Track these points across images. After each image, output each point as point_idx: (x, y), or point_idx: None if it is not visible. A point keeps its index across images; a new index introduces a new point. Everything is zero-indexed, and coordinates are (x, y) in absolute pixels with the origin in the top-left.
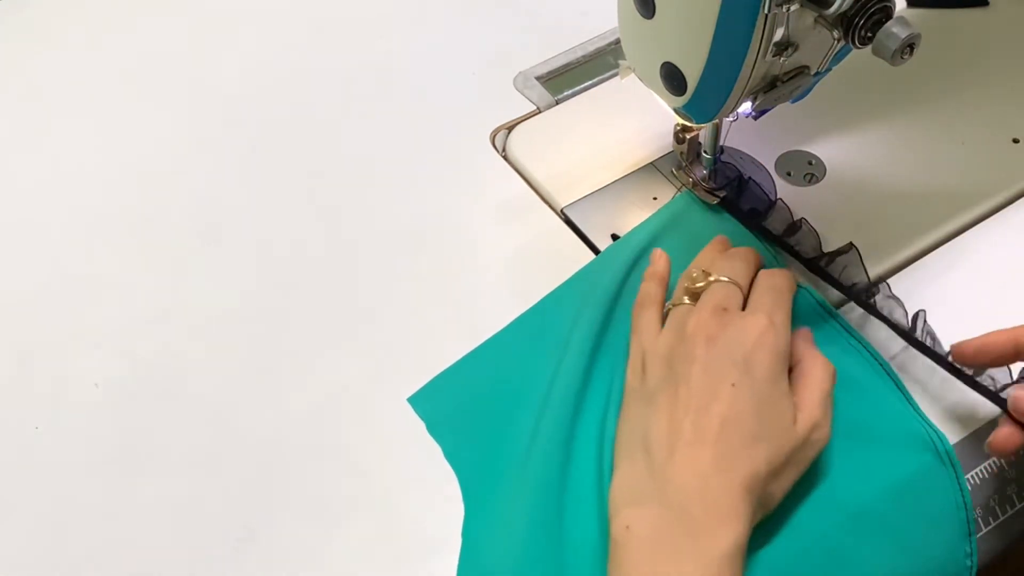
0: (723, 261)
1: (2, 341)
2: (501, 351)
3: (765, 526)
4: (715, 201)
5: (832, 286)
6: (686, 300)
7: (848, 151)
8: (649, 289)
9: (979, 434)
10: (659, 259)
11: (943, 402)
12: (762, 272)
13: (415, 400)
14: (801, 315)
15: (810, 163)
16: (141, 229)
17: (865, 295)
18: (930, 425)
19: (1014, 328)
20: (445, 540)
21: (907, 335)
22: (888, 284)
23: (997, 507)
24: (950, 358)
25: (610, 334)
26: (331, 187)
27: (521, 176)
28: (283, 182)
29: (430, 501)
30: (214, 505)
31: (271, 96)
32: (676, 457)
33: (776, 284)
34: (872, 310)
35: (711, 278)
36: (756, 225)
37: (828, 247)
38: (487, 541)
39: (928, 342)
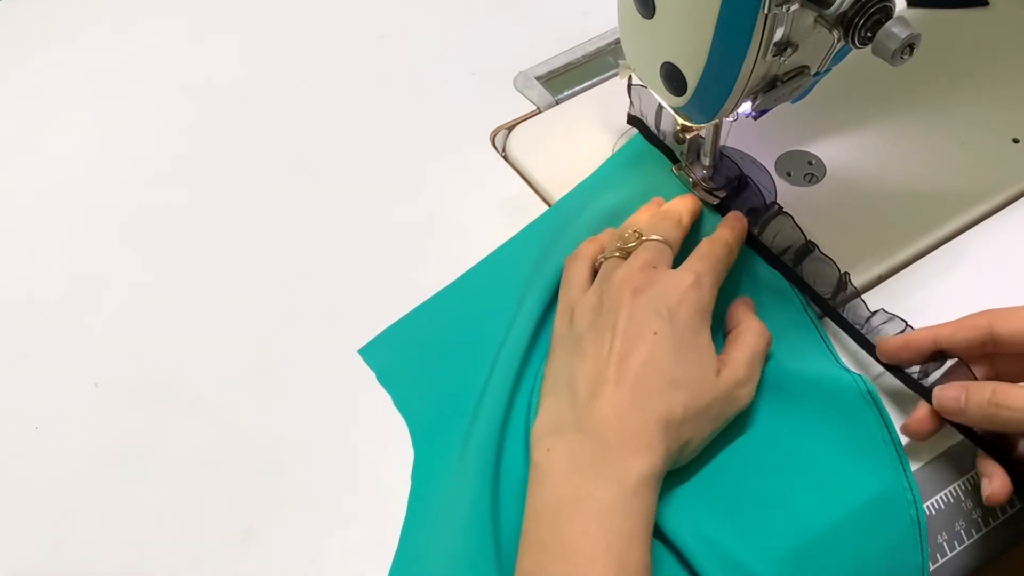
0: (657, 221)
1: (2, 341)
2: (452, 302)
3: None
4: (715, 201)
5: (762, 256)
6: (617, 255)
7: (848, 151)
8: (586, 247)
9: (941, 459)
10: (607, 233)
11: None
12: (705, 240)
13: (366, 351)
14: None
15: (810, 163)
16: (141, 228)
17: (795, 259)
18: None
19: (934, 327)
20: None
21: (828, 307)
22: (819, 247)
23: (997, 507)
24: (877, 353)
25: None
26: (331, 187)
27: (521, 176)
28: (283, 182)
29: None
30: (214, 505)
31: (271, 96)
32: (598, 396)
33: (713, 252)
34: (796, 279)
35: (643, 238)
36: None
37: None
38: (436, 485)
39: (849, 316)
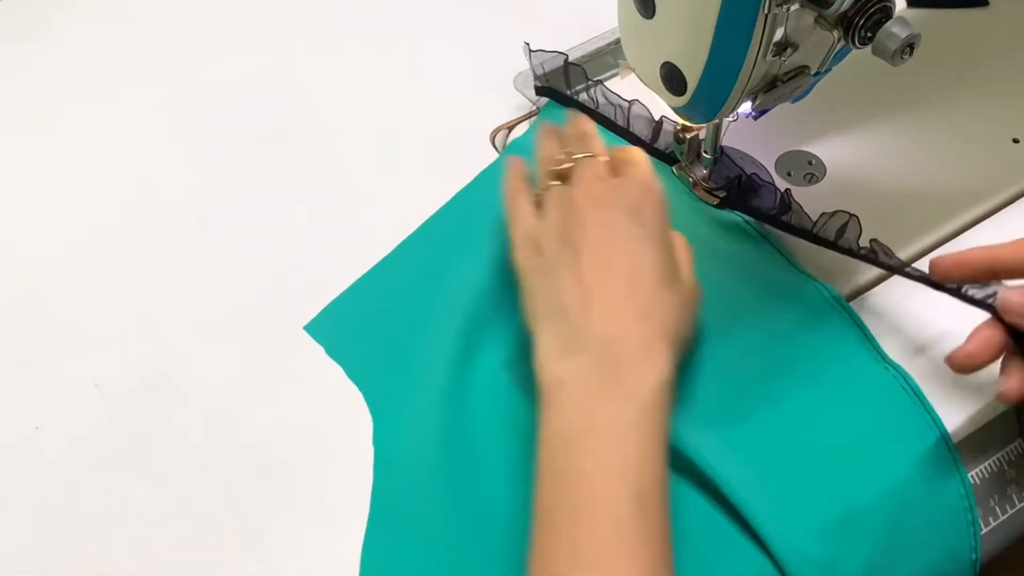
0: (576, 142)
1: (2, 341)
2: (393, 269)
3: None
4: (715, 202)
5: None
6: (558, 182)
7: (848, 151)
8: (515, 184)
9: (981, 432)
10: (515, 161)
11: (944, 404)
12: (615, 155)
13: (312, 327)
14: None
15: (810, 163)
16: (141, 229)
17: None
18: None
19: (994, 247)
20: None
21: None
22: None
23: (997, 507)
24: (929, 271)
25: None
26: (331, 187)
27: None
28: (282, 182)
29: None
30: (214, 505)
31: (270, 95)
32: (593, 312)
33: (631, 157)
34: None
35: (576, 156)
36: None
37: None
38: (399, 446)
39: (798, 223)
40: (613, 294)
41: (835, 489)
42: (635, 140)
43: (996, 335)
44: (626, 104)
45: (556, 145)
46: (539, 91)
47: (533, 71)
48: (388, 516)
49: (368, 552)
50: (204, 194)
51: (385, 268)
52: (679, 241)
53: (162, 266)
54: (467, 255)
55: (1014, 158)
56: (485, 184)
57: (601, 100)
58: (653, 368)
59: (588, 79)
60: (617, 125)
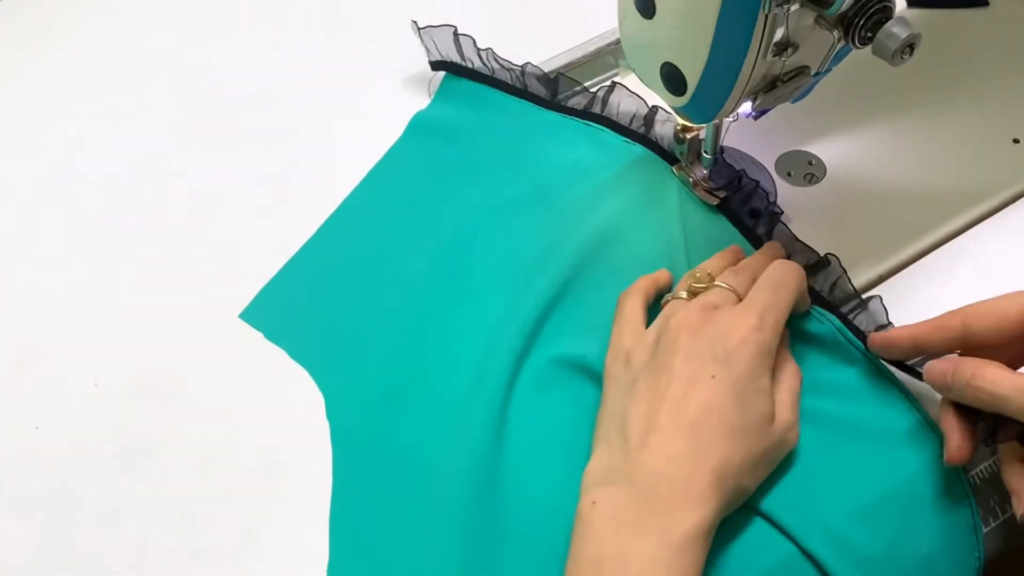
0: (730, 272)
1: (2, 341)
2: (320, 246)
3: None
4: (715, 202)
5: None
6: (684, 295)
7: (848, 151)
8: (642, 282)
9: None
10: (663, 274)
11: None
12: (772, 263)
13: (247, 315)
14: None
15: (810, 163)
16: (141, 229)
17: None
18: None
19: (912, 326)
20: None
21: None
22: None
23: (997, 507)
24: (867, 345)
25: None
26: (330, 187)
27: None
28: (281, 182)
29: None
30: (214, 504)
31: (270, 95)
32: (650, 442)
33: (779, 278)
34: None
35: (714, 283)
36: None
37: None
38: (352, 417)
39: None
40: (676, 430)
41: (845, 485)
42: (538, 100)
43: (956, 418)
44: (518, 68)
45: (721, 265)
46: (434, 66)
47: (425, 47)
48: (350, 484)
49: (335, 523)
50: (204, 194)
51: (312, 247)
52: (787, 384)
53: (162, 266)
54: (392, 221)
55: (1014, 158)
56: (394, 159)
57: (495, 66)
58: (691, 513)
59: (478, 48)
60: (515, 88)
